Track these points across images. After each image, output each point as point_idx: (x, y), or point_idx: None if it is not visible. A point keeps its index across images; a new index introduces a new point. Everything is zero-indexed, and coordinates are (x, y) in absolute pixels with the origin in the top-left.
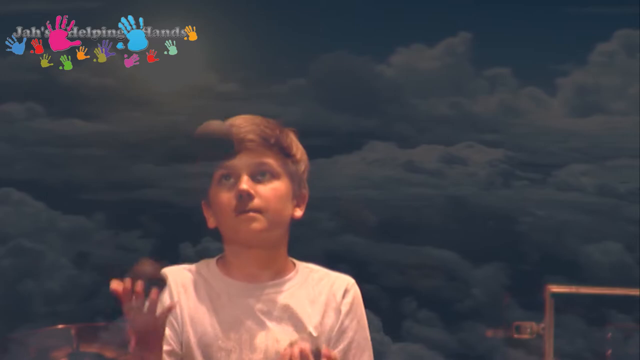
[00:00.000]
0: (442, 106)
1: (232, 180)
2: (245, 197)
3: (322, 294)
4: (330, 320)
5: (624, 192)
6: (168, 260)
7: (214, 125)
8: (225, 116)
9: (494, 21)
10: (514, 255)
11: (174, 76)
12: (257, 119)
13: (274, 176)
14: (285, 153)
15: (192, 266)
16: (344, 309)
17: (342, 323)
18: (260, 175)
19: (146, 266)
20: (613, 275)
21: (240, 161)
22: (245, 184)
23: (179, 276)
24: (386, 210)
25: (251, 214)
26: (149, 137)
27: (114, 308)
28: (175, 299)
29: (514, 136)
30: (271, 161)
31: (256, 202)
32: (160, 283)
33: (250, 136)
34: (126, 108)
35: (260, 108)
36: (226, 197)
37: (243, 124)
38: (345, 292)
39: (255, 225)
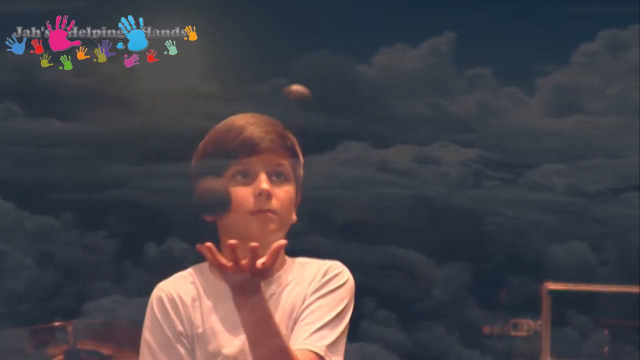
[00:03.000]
0: (421, 106)
1: (247, 177)
2: (264, 197)
3: (310, 282)
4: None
5: (594, 192)
6: (132, 260)
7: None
8: (205, 116)
9: (479, 21)
10: (478, 256)
11: (154, 76)
12: (270, 119)
13: (287, 179)
14: (296, 156)
15: (188, 275)
16: (316, 285)
17: (312, 292)
18: (275, 176)
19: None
20: (576, 275)
21: (260, 160)
22: (265, 183)
23: (185, 292)
24: (354, 210)
25: (269, 214)
26: (124, 137)
27: (73, 309)
28: (186, 321)
29: (490, 136)
30: (286, 163)
31: (273, 202)
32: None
33: (271, 136)
34: (104, 108)
35: (238, 109)
36: (242, 194)
37: (261, 122)
38: (325, 272)
39: (271, 226)
